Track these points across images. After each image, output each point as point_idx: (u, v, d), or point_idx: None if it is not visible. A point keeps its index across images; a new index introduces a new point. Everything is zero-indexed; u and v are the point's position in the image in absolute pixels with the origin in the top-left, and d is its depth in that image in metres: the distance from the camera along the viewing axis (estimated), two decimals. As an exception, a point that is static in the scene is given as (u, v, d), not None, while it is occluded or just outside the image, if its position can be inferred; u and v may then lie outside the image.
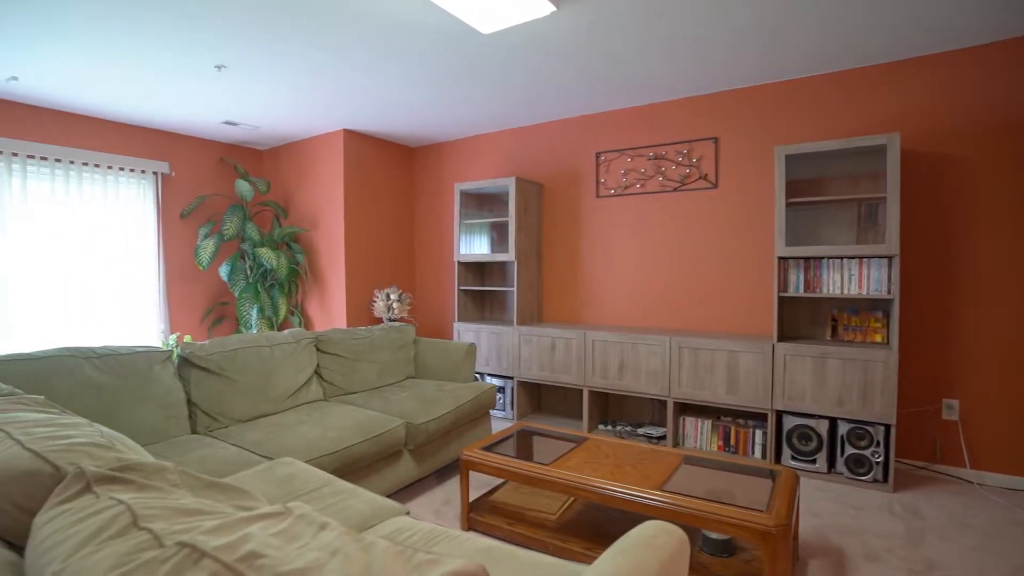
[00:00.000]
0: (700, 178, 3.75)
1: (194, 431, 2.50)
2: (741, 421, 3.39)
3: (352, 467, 2.37)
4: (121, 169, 4.28)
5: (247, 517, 0.73)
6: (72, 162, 4.01)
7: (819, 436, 2.98)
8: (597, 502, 2.18)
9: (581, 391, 4.18)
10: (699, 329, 3.77)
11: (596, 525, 2.34)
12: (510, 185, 4.09)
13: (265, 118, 4.23)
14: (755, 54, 3.05)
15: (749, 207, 3.59)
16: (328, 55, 3.03)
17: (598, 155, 4.16)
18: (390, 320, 4.55)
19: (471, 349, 3.47)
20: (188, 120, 4.27)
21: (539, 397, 4.40)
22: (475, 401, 3.12)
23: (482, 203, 4.70)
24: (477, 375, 4.32)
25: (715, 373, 3.30)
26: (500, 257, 4.18)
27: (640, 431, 3.70)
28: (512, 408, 4.14)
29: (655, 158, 3.92)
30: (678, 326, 3.87)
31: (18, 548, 0.99)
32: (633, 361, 3.59)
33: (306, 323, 4.91)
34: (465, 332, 4.35)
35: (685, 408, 3.66)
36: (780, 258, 3.14)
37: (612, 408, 4.08)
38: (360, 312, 4.68)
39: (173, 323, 4.60)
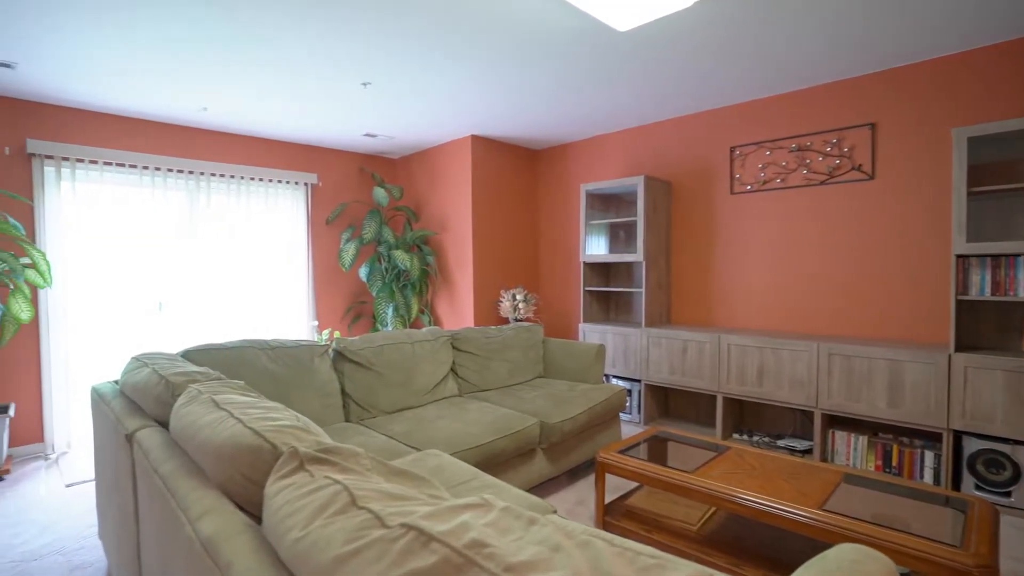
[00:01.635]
0: (853, 169, 3.40)
1: (347, 420, 2.74)
2: (905, 440, 3.02)
3: (491, 462, 2.45)
4: (279, 181, 4.81)
5: (455, 506, 0.77)
6: (242, 177, 4.58)
7: (1015, 465, 2.56)
8: (745, 516, 2.06)
9: (714, 397, 3.97)
10: (851, 335, 3.42)
11: (741, 539, 2.21)
12: (638, 184, 4.00)
13: (400, 128, 4.53)
14: (925, 25, 2.70)
15: (914, 199, 3.18)
16: (461, 65, 3.16)
17: (733, 149, 3.93)
18: (516, 320, 4.66)
19: (601, 350, 3.44)
20: (334, 135, 4.69)
21: (666, 401, 4.25)
22: (606, 403, 3.09)
23: (607, 203, 4.64)
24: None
25: (873, 384, 2.97)
26: (628, 257, 4.10)
27: (780, 443, 3.44)
28: (639, 412, 4.04)
29: (798, 150, 3.62)
30: (825, 331, 3.54)
31: (246, 511, 1.14)
32: (774, 367, 3.34)
33: (435, 321, 5.18)
34: (591, 333, 4.33)
35: (835, 421, 3.34)
36: (959, 256, 2.75)
37: (748, 416, 3.84)
38: (487, 312, 4.84)
39: (319, 319, 5.08)
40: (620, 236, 4.56)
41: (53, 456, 3.63)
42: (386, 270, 5.01)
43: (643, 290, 4.03)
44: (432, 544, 0.66)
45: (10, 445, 3.58)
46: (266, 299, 4.72)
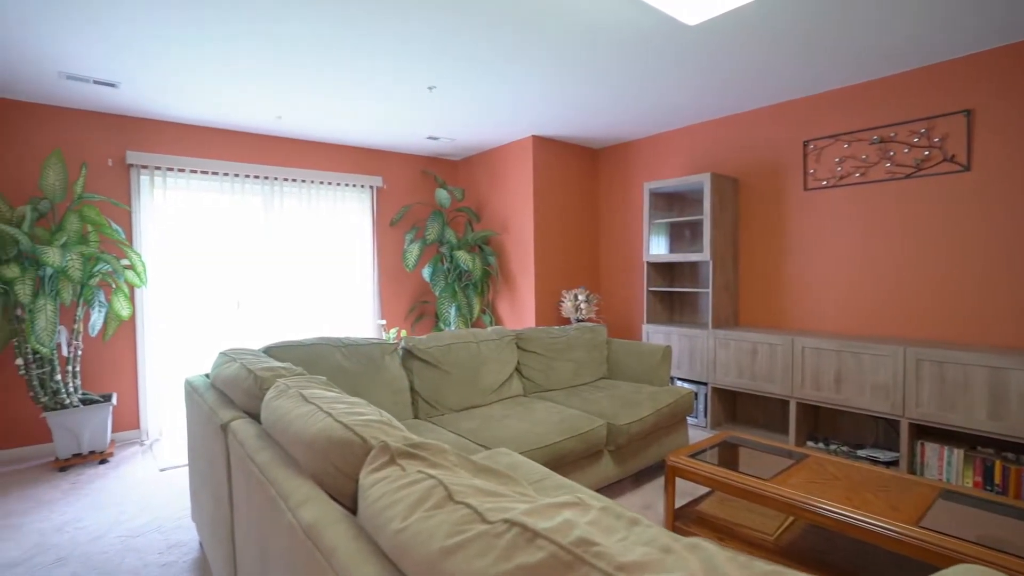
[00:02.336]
0: (944, 160, 3.16)
1: (416, 416, 2.81)
2: (1010, 455, 2.78)
3: (558, 463, 2.45)
4: (346, 185, 5.00)
5: (553, 503, 0.78)
6: (312, 181, 4.78)
7: None
8: (828, 528, 1.96)
9: (786, 402, 3.80)
10: (942, 338, 3.18)
11: (822, 553, 2.10)
12: (704, 182, 3.88)
13: (462, 131, 4.60)
14: (1036, 3, 2.47)
15: (1019, 190, 2.92)
16: (525, 66, 3.18)
17: (806, 143, 3.74)
18: (578, 320, 4.63)
19: (667, 352, 3.37)
20: (398, 138, 4.82)
21: (734, 405, 4.11)
22: (673, 406, 3.02)
23: (671, 202, 4.53)
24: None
25: (971, 393, 2.75)
26: (693, 257, 3.99)
27: (861, 453, 3.24)
28: (705, 415, 3.93)
29: (880, 142, 3.41)
30: (912, 334, 3.31)
31: (337, 501, 1.19)
32: (854, 372, 3.16)
33: (497, 321, 5.22)
34: (655, 334, 4.24)
35: (924, 431, 3.12)
36: (1072, 254, 2.51)
37: (824, 423, 3.65)
38: (548, 312, 4.84)
39: (384, 319, 5.23)
40: (685, 235, 4.44)
41: (148, 442, 3.92)
42: (448, 270, 5.10)
43: (710, 290, 3.91)
44: (538, 540, 0.66)
45: (112, 431, 3.90)
46: (334, 298, 4.91)
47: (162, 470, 3.35)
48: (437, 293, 5.07)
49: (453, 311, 4.93)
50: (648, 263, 4.34)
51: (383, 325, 5.15)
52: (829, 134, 3.63)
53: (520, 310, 4.92)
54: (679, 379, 4.12)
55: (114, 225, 3.69)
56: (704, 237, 3.90)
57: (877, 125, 3.41)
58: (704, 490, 2.93)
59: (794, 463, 2.28)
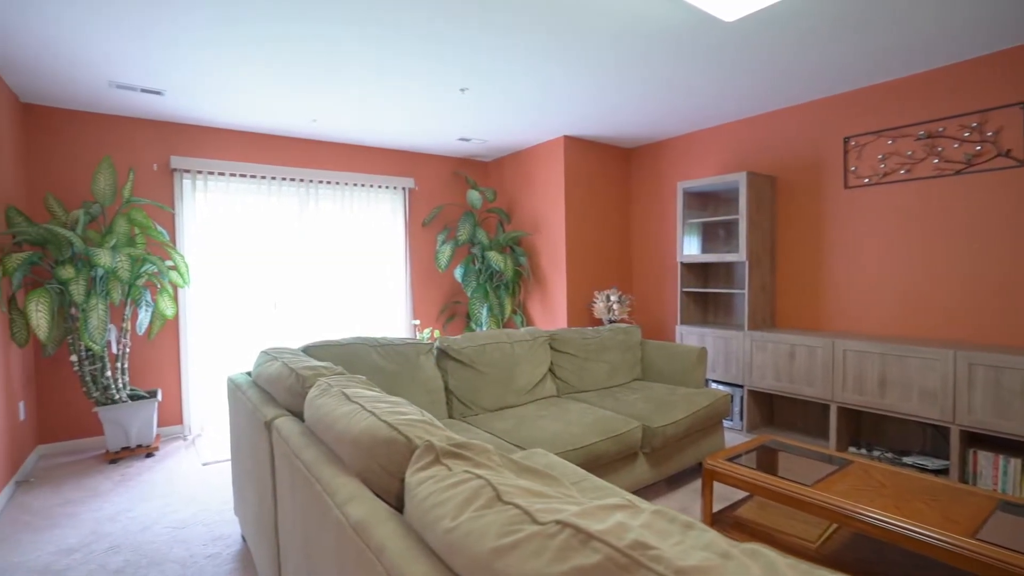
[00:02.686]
0: (999, 155, 3.03)
1: (450, 416, 2.83)
2: (1069, 463, 2.64)
3: (593, 464, 2.43)
4: (379, 186, 5.07)
5: (604, 505, 0.77)
6: (346, 183, 4.87)
7: None
8: (875, 537, 1.89)
9: (826, 406, 3.70)
10: (995, 343, 3.05)
11: (868, 563, 2.03)
12: (740, 181, 3.81)
13: (494, 132, 4.61)
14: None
15: (1080, 188, 2.78)
16: (558, 66, 3.17)
17: (847, 140, 3.63)
18: (610, 321, 4.60)
19: (702, 353, 3.31)
20: (430, 140, 4.87)
21: (771, 408, 4.01)
22: (709, 408, 2.97)
23: (705, 201, 4.46)
24: (699, 381, 4.12)
25: (1027, 399, 2.62)
26: (729, 257, 3.92)
27: (907, 460, 3.13)
28: (741, 418, 3.85)
29: (927, 137, 3.28)
30: (961, 337, 3.18)
31: (381, 499, 1.21)
32: (900, 376, 3.05)
33: (528, 322, 5.22)
34: (688, 335, 4.18)
35: (976, 439, 2.99)
36: None
37: (866, 428, 3.53)
38: (580, 313, 4.82)
39: (416, 318, 5.29)
40: (719, 235, 4.36)
41: (190, 437, 4.05)
42: (480, 271, 5.13)
43: (746, 291, 3.83)
44: (592, 543, 0.66)
45: (157, 426, 4.04)
46: (368, 298, 4.99)
47: (204, 464, 3.45)
48: (469, 293, 5.10)
49: (485, 311, 4.95)
50: (682, 263, 4.28)
51: (417, 325, 5.21)
52: (872, 130, 3.52)
53: (551, 311, 4.91)
54: (714, 381, 4.04)
55: (159, 227, 3.82)
56: (740, 237, 3.82)
57: (924, 120, 3.29)
58: (740, 495, 2.87)
59: (838, 469, 2.21)
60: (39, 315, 3.04)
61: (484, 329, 5.00)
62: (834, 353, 3.32)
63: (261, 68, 3.12)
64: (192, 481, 3.17)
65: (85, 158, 3.81)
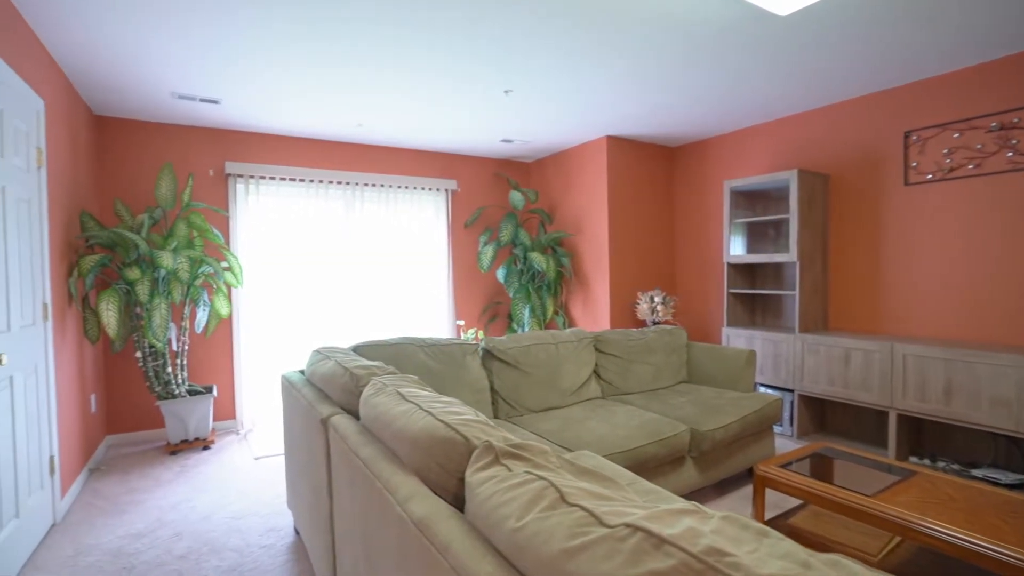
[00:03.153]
0: (1078, 148, 2.83)
1: (496, 416, 2.84)
2: None
3: (640, 468, 2.40)
4: (422, 188, 5.14)
5: (672, 510, 0.76)
6: (390, 185, 4.96)
7: None
8: (945, 553, 1.80)
9: (884, 413, 3.54)
10: (1075, 348, 2.85)
11: (935, 579, 1.93)
12: (791, 179, 3.69)
13: (536, 132, 4.61)
14: None
15: None
16: (602, 66, 3.14)
17: (908, 134, 3.47)
18: (654, 323, 4.53)
19: (751, 356, 3.23)
20: (473, 142, 4.91)
21: (823, 414, 3.87)
22: (759, 413, 2.89)
23: (753, 200, 4.34)
24: (747, 385, 4.01)
25: (1112, 409, 2.44)
26: (778, 258, 3.80)
27: (976, 472, 2.96)
28: (791, 424, 3.73)
29: (1000, 128, 3.10)
30: (1037, 343, 2.98)
31: (439, 496, 1.22)
32: (967, 384, 2.89)
33: (570, 323, 5.20)
34: (736, 338, 4.07)
35: (1052, 451, 2.80)
36: None
37: (929, 438, 3.36)
38: (622, 314, 4.77)
39: (458, 319, 5.35)
40: (768, 235, 4.24)
41: (243, 432, 4.21)
42: (522, 271, 5.14)
43: (796, 292, 3.70)
44: (665, 547, 0.65)
45: (213, 420, 4.22)
46: (411, 298, 5.07)
47: (256, 458, 3.58)
48: (511, 294, 5.12)
49: (527, 312, 4.96)
50: (728, 264, 4.17)
51: (462, 325, 5.26)
52: (936, 123, 3.35)
53: (594, 312, 4.87)
54: (762, 385, 3.93)
55: (215, 230, 3.99)
56: (790, 237, 3.70)
57: (998, 110, 3.11)
58: (792, 503, 2.78)
59: (901, 480, 2.11)
60: (109, 314, 3.22)
61: (526, 330, 5.01)
62: (893, 357, 3.18)
63: (310, 76, 3.21)
64: (246, 474, 3.29)
65: (148, 165, 4.02)
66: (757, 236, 4.30)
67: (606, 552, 0.68)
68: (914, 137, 3.45)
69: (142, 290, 3.35)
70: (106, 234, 3.36)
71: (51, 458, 2.61)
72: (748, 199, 4.32)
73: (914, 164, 3.45)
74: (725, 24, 2.63)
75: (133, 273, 3.36)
